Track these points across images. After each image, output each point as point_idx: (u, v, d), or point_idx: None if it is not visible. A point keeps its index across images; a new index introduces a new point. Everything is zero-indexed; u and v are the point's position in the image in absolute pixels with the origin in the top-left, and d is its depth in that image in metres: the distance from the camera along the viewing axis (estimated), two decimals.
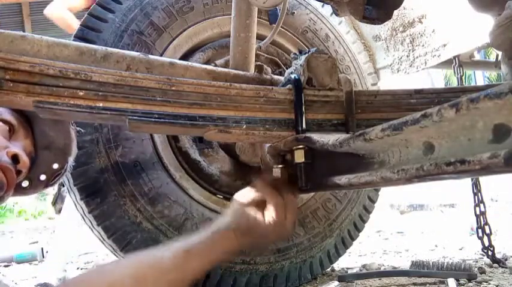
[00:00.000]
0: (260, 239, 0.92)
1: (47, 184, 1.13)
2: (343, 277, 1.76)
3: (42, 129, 1.11)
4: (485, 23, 1.33)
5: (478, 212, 2.14)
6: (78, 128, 1.26)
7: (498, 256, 2.09)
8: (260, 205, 0.92)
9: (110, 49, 1.14)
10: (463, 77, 2.26)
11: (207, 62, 1.58)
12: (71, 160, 1.18)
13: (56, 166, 1.12)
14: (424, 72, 3.17)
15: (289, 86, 1.08)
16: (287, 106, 1.05)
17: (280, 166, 1.04)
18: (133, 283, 0.75)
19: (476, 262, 2.10)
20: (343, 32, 1.91)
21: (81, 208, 1.47)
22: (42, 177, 1.11)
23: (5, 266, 2.86)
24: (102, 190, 1.41)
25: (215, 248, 0.86)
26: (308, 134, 0.96)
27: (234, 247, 0.88)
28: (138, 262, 0.81)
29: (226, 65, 1.50)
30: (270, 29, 1.61)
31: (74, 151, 1.19)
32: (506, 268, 1.92)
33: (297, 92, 1.05)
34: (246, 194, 0.94)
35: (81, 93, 0.90)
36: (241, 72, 1.39)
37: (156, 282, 0.77)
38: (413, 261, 1.87)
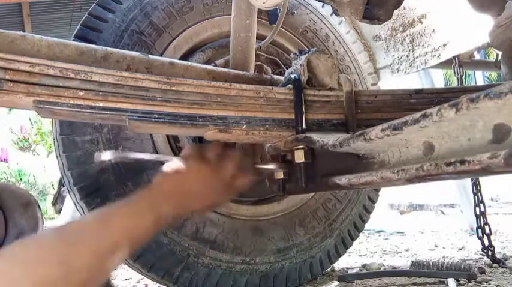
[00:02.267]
0: (189, 199, 0.88)
1: None
2: (343, 277, 1.76)
3: (15, 220, 1.13)
4: (485, 23, 1.33)
5: (478, 212, 2.14)
6: None
7: (498, 256, 2.09)
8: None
9: (110, 49, 1.14)
10: (463, 77, 2.26)
11: (207, 62, 1.58)
12: None
13: None
14: (423, 72, 3.17)
15: (289, 86, 1.08)
16: (287, 106, 1.05)
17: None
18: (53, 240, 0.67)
19: (476, 262, 2.10)
20: (343, 32, 1.91)
21: (81, 208, 1.47)
22: None
23: None
24: (102, 190, 1.41)
25: (139, 204, 0.80)
26: (308, 134, 0.96)
27: (153, 210, 0.81)
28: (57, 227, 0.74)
29: (226, 65, 1.50)
30: (270, 29, 1.61)
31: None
32: (506, 268, 1.92)
33: (297, 92, 1.05)
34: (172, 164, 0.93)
35: (81, 93, 0.90)
36: (241, 72, 1.39)
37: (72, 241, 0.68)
38: (413, 261, 1.87)
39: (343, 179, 0.83)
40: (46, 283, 0.62)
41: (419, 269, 1.79)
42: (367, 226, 1.94)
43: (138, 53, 1.19)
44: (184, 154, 0.98)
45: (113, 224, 0.74)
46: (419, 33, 2.03)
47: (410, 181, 0.65)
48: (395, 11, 1.31)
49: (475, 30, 1.76)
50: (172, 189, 0.87)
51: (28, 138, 8.98)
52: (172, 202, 0.85)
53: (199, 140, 1.61)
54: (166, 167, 0.94)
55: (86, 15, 1.51)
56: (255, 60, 1.47)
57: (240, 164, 0.96)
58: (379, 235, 3.48)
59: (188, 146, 0.97)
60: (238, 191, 0.98)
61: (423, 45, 2.02)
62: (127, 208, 0.80)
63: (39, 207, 1.21)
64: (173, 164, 0.94)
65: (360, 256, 2.53)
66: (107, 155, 1.12)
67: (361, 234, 1.94)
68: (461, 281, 1.64)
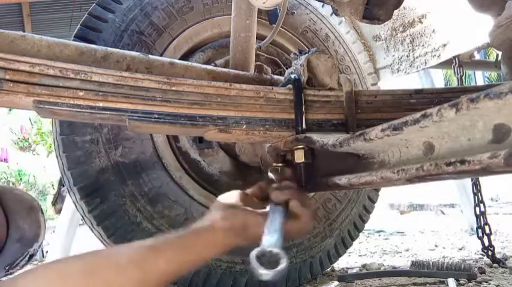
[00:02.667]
0: (253, 240, 0.84)
1: (7, 271, 1.15)
2: (343, 277, 1.76)
3: (17, 224, 1.13)
4: (485, 23, 1.33)
5: (478, 212, 2.14)
6: None
7: (498, 256, 2.09)
8: (252, 205, 0.89)
9: (110, 49, 1.14)
10: (463, 77, 2.26)
11: (207, 62, 1.58)
12: (36, 245, 1.19)
13: (22, 257, 1.14)
14: (423, 72, 3.17)
15: (289, 86, 1.08)
16: (287, 106, 1.05)
17: (280, 165, 1.04)
18: (81, 276, 0.66)
19: (476, 262, 2.10)
20: (343, 32, 1.91)
21: (81, 208, 1.47)
22: (6, 268, 1.13)
23: None
24: (102, 190, 1.41)
25: (191, 248, 0.78)
26: (308, 134, 0.96)
27: (217, 248, 0.82)
28: (92, 256, 0.72)
29: (226, 65, 1.50)
30: (270, 29, 1.61)
31: (42, 238, 1.21)
32: (506, 268, 1.92)
33: (297, 92, 1.05)
34: (232, 196, 0.90)
35: (81, 93, 0.90)
36: (241, 72, 1.39)
37: (109, 275, 0.67)
38: (413, 261, 1.87)
39: (343, 179, 0.83)
40: None
41: (419, 269, 1.79)
42: (367, 226, 1.94)
43: (138, 53, 1.19)
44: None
45: (157, 259, 0.73)
46: (419, 33, 2.03)
47: (410, 181, 0.65)
48: (395, 11, 1.31)
49: (475, 30, 1.76)
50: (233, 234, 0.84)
51: (28, 138, 8.98)
52: (234, 244, 0.85)
53: (199, 140, 1.61)
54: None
55: (86, 15, 1.51)
56: (255, 60, 1.47)
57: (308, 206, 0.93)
58: (379, 235, 3.48)
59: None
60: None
61: (423, 45, 2.02)
62: (176, 246, 0.78)
63: (43, 212, 1.21)
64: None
65: (360, 256, 2.53)
66: None
67: (361, 234, 1.94)
68: (461, 281, 1.64)
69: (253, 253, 0.73)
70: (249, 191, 0.95)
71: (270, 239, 0.78)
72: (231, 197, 0.91)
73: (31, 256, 1.17)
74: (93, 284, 0.66)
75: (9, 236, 1.12)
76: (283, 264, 0.72)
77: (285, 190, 0.90)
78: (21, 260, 1.15)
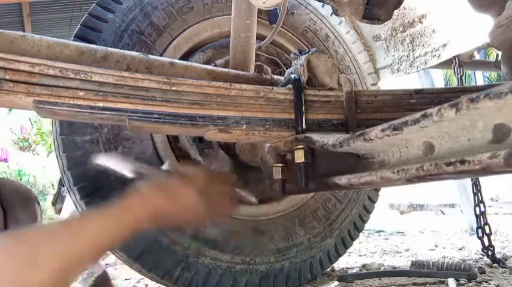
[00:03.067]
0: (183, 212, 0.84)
1: None
2: (343, 277, 1.76)
3: (15, 215, 1.12)
4: (485, 23, 1.33)
5: (478, 212, 2.14)
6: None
7: (498, 256, 2.09)
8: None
9: (110, 49, 1.14)
10: (463, 77, 2.26)
11: (207, 62, 1.58)
12: None
13: None
14: (423, 72, 3.17)
15: (289, 86, 1.08)
16: (287, 106, 1.05)
17: (280, 165, 1.04)
18: (11, 239, 0.65)
19: (476, 262, 2.10)
20: (343, 32, 1.91)
21: (81, 208, 1.47)
22: None
23: None
24: (102, 190, 1.41)
25: (117, 211, 0.77)
26: (308, 134, 0.96)
27: (144, 209, 0.80)
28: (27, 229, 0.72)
29: (226, 65, 1.50)
30: (270, 29, 1.61)
31: None
32: (506, 268, 1.92)
33: (297, 92, 1.05)
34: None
35: (81, 93, 0.90)
36: (241, 72, 1.38)
37: (40, 240, 0.65)
38: (413, 261, 1.87)
39: (343, 179, 0.83)
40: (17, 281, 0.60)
41: (419, 269, 1.79)
42: (367, 226, 1.94)
43: (138, 53, 1.19)
44: (173, 169, 0.95)
45: (87, 229, 0.71)
46: (419, 33, 2.03)
47: (410, 181, 0.65)
48: (395, 11, 1.31)
49: (475, 30, 1.76)
50: (154, 202, 0.82)
51: (28, 138, 8.97)
52: (151, 215, 0.81)
53: (199, 140, 1.61)
54: (151, 177, 0.90)
55: (86, 15, 1.51)
56: (255, 60, 1.47)
57: (226, 190, 0.94)
58: (379, 235, 3.48)
59: (176, 165, 0.94)
60: (218, 217, 0.96)
61: (423, 45, 2.02)
62: (105, 215, 0.76)
63: (39, 203, 1.20)
64: (159, 176, 0.91)
65: (360, 256, 2.53)
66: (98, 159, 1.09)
67: (361, 234, 1.94)
68: (461, 281, 1.64)
69: None
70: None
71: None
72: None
73: None
74: (21, 249, 0.63)
75: (7, 228, 1.11)
76: None
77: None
78: None
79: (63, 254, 0.66)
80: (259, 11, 1.47)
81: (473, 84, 7.96)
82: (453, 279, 1.63)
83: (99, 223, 0.73)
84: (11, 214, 1.11)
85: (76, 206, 1.55)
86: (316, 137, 0.91)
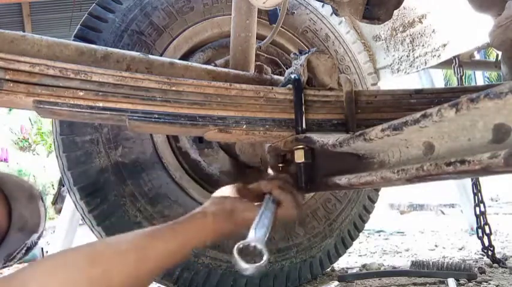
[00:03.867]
0: (242, 226, 0.87)
1: (6, 263, 1.14)
2: (343, 277, 1.76)
3: (20, 211, 1.11)
4: (485, 23, 1.33)
5: (478, 212, 2.14)
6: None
7: (498, 256, 2.09)
8: (248, 197, 0.93)
9: (110, 49, 1.14)
10: (463, 77, 2.26)
11: (207, 62, 1.58)
12: (35, 237, 1.18)
13: (23, 246, 1.13)
14: (423, 72, 3.17)
15: (289, 86, 1.08)
16: (287, 106, 1.05)
17: (280, 164, 1.04)
18: (86, 260, 0.70)
19: (476, 262, 2.10)
20: (343, 32, 1.91)
21: (81, 208, 1.47)
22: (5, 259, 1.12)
23: (5, 266, 2.85)
24: (102, 190, 1.41)
25: (185, 233, 0.83)
26: (308, 134, 0.96)
27: (209, 232, 0.86)
28: (93, 245, 0.77)
29: (226, 65, 1.50)
30: (270, 29, 1.61)
31: (42, 228, 1.20)
32: (506, 268, 1.92)
33: (297, 92, 1.05)
34: (228, 188, 0.94)
35: (81, 93, 0.90)
36: (241, 72, 1.38)
37: (111, 261, 0.71)
38: (413, 261, 1.87)
39: (343, 179, 0.83)
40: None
41: (419, 269, 1.79)
42: (367, 226, 1.94)
43: (138, 53, 1.19)
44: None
45: (156, 243, 0.77)
46: (419, 33, 2.03)
47: (410, 181, 0.65)
48: (395, 11, 1.31)
49: (475, 30, 1.76)
50: (221, 226, 0.87)
51: (28, 138, 8.97)
52: (216, 237, 0.88)
53: (199, 140, 1.61)
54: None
55: (86, 15, 1.51)
56: (255, 60, 1.47)
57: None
58: (379, 235, 3.48)
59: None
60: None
61: (423, 45, 2.02)
62: (172, 231, 0.82)
63: (43, 200, 1.20)
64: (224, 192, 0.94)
65: (360, 256, 2.53)
66: None
67: (361, 234, 1.94)
68: (461, 281, 1.64)
69: (237, 246, 0.75)
70: (249, 186, 0.98)
71: (256, 233, 0.80)
72: (226, 189, 0.95)
73: (28, 249, 1.16)
74: (95, 271, 0.68)
75: (12, 224, 1.11)
76: (264, 260, 0.74)
77: (271, 180, 0.94)
78: (18, 252, 1.14)
79: (133, 273, 0.73)
80: (259, 11, 1.47)
81: (473, 84, 7.96)
82: (453, 279, 1.63)
83: (169, 247, 0.79)
84: (15, 209, 1.10)
85: (76, 206, 1.55)
86: (316, 137, 0.91)
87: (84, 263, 0.69)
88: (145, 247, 0.75)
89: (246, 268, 0.74)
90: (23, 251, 1.15)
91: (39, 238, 1.18)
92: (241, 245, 0.76)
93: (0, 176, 1.09)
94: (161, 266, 0.78)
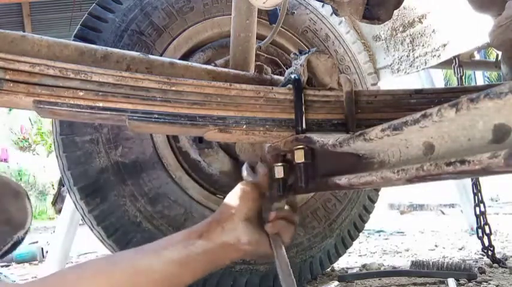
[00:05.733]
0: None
1: None
2: (343, 277, 1.76)
3: (5, 208, 1.12)
4: (485, 23, 1.33)
5: (478, 212, 2.14)
6: None
7: (498, 256, 2.09)
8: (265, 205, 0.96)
9: (110, 49, 1.14)
10: (463, 77, 2.26)
11: (207, 62, 1.58)
12: (22, 232, 1.18)
13: (9, 241, 1.13)
14: (423, 72, 3.17)
15: (289, 86, 1.08)
16: (287, 106, 1.05)
17: (280, 164, 1.04)
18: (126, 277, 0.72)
19: (476, 262, 2.10)
20: (343, 32, 1.91)
21: (81, 208, 1.47)
22: None
23: (5, 265, 2.86)
24: (102, 190, 1.41)
25: (215, 263, 0.86)
26: (308, 134, 0.96)
27: (236, 258, 0.90)
28: (116, 269, 0.75)
29: (226, 65, 1.50)
30: (270, 29, 1.61)
31: (29, 224, 1.20)
32: (506, 268, 1.92)
33: (297, 92, 1.05)
34: (247, 199, 0.94)
35: (81, 93, 0.90)
36: (241, 72, 1.38)
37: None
38: (413, 261, 1.87)
39: (343, 179, 0.83)
40: None
41: (419, 269, 1.79)
42: (367, 226, 1.94)
43: (138, 53, 1.19)
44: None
45: (186, 273, 0.81)
46: (419, 33, 2.03)
47: (410, 181, 0.65)
48: (395, 11, 1.31)
49: (475, 30, 1.76)
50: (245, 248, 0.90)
51: (28, 138, 8.98)
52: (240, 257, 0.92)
53: (199, 140, 1.61)
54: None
55: (86, 15, 1.51)
56: (255, 60, 1.47)
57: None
58: (379, 235, 3.48)
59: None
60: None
61: (423, 45, 2.02)
62: (202, 259, 0.84)
63: (29, 199, 1.20)
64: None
65: (360, 256, 2.53)
66: None
67: (361, 234, 1.94)
68: (461, 281, 1.64)
69: None
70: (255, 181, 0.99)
71: None
72: (245, 199, 0.94)
73: (15, 244, 1.16)
74: None
75: None
76: None
77: (276, 221, 0.95)
78: (4, 246, 1.14)
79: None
80: (259, 11, 1.47)
81: (473, 84, 7.96)
82: (453, 279, 1.63)
83: (196, 276, 0.83)
84: (1, 206, 1.11)
85: (76, 206, 1.55)
86: (316, 137, 0.91)
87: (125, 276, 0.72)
88: (177, 279, 0.79)
89: None
90: (9, 245, 1.15)
91: (25, 234, 1.18)
92: None
93: None
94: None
